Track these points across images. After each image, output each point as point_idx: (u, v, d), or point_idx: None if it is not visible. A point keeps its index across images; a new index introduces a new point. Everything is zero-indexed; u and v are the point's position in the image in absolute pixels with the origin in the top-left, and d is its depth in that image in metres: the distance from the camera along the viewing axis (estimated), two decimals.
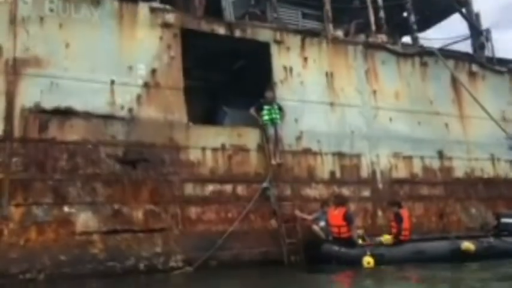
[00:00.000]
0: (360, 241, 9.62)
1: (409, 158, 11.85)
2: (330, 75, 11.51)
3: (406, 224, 9.84)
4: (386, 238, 9.78)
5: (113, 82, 8.99)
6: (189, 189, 9.22)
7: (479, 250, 9.76)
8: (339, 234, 9.50)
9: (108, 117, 8.83)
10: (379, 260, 9.01)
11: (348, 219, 9.55)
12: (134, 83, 9.22)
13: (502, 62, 14.51)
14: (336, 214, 9.64)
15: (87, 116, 8.66)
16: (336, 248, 9.33)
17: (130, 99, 9.11)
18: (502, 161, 13.16)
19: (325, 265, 9.02)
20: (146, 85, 9.31)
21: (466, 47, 14.93)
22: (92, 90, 8.79)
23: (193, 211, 9.14)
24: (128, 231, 8.48)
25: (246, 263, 9.21)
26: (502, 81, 14.12)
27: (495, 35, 14.87)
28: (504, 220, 11.02)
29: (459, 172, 12.44)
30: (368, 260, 8.98)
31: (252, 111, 10.45)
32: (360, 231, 10.00)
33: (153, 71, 9.41)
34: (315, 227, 9.77)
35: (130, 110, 9.04)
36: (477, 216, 12.18)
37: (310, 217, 9.93)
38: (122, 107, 9.00)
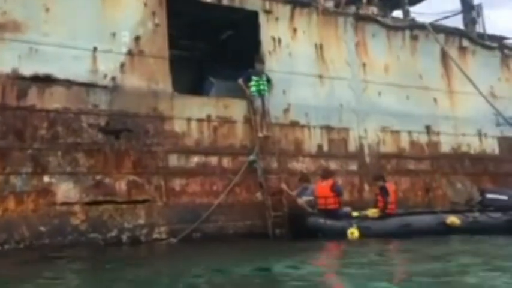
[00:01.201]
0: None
1: (396, 133, 11.76)
2: (319, 47, 11.27)
3: (392, 198, 9.84)
4: (372, 211, 9.76)
5: (95, 49, 8.68)
6: (174, 160, 9.05)
7: (464, 224, 9.83)
8: (325, 206, 9.46)
9: (90, 86, 8.55)
10: (364, 233, 9.03)
11: (335, 190, 9.54)
12: (117, 51, 8.91)
13: (493, 38, 14.36)
14: (323, 185, 9.62)
15: (68, 83, 8.37)
16: (321, 220, 9.29)
17: (113, 67, 8.82)
18: (489, 137, 13.14)
19: (311, 238, 8.97)
20: (130, 53, 9.01)
21: (457, 23, 14.77)
22: (73, 57, 8.48)
23: (177, 183, 8.99)
24: (110, 202, 8.32)
25: (231, 235, 9.15)
26: (492, 57, 13.99)
27: (487, 13, 14.63)
28: (489, 196, 11.08)
29: (446, 147, 12.41)
30: (352, 231, 8.99)
31: (241, 81, 10.22)
32: (348, 208, 9.95)
33: (137, 39, 9.10)
34: (300, 200, 9.69)
35: (113, 78, 8.76)
36: (462, 191, 12.20)
37: (294, 192, 9.81)
38: (105, 75, 8.71)
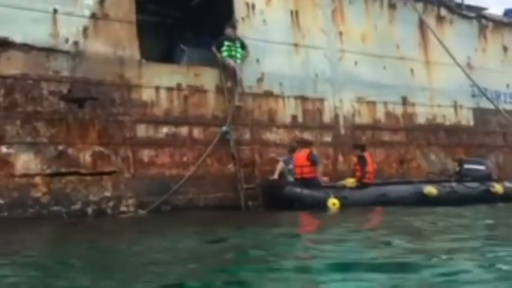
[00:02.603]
0: None
1: (372, 104, 11.58)
2: (294, 14, 10.89)
3: (370, 167, 9.78)
4: (349, 181, 9.67)
5: (55, 11, 8.15)
6: (142, 131, 8.69)
7: (441, 194, 9.89)
8: (301, 175, 9.34)
9: (50, 51, 8.06)
10: (342, 203, 8.93)
11: (312, 159, 9.42)
12: (80, 14, 8.40)
13: (471, 8, 14.17)
14: (300, 155, 9.49)
15: (26, 48, 7.86)
16: (298, 189, 9.13)
17: (75, 31, 8.32)
18: (465, 109, 13.08)
19: (287, 208, 8.76)
20: (93, 16, 8.50)
21: None
22: (32, 19, 7.94)
23: (146, 154, 8.66)
24: (74, 174, 7.96)
25: (201, 208, 8.92)
26: (469, 27, 13.82)
27: None
28: (466, 166, 11.12)
29: (421, 119, 12.30)
30: (333, 202, 8.89)
31: (214, 49, 9.80)
32: (325, 179, 9.82)
33: (102, 1, 8.57)
34: (278, 166, 9.46)
35: (75, 43, 8.27)
36: (436, 162, 12.18)
37: (280, 161, 9.58)
38: (67, 40, 8.21)
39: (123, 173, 8.37)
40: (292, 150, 9.78)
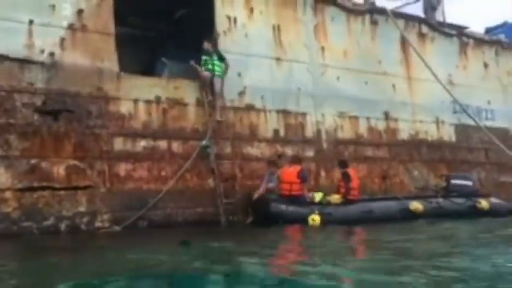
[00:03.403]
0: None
1: (355, 118, 11.53)
2: (277, 29, 10.85)
3: (354, 183, 9.67)
4: (334, 197, 9.55)
5: (31, 22, 7.98)
6: (119, 144, 8.48)
7: (427, 210, 9.83)
8: (289, 191, 9.22)
9: (25, 62, 7.86)
10: (326, 219, 8.80)
11: (302, 177, 9.33)
12: (57, 24, 8.24)
13: (452, 26, 14.33)
14: (290, 171, 9.38)
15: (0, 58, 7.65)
16: (283, 206, 8.97)
17: (52, 42, 8.15)
18: (447, 125, 13.11)
19: (272, 225, 8.58)
20: (71, 27, 8.35)
21: (418, 11, 14.59)
22: (6, 29, 7.77)
23: (122, 168, 8.44)
24: (47, 189, 7.70)
25: (180, 223, 8.70)
26: (450, 44, 13.95)
27: (447, 8, 14.55)
28: (453, 181, 11.10)
29: (404, 134, 12.28)
30: (313, 218, 8.73)
31: (193, 62, 9.70)
32: (311, 194, 9.68)
33: (80, 12, 8.44)
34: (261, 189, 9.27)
35: (51, 54, 8.10)
36: (419, 178, 12.14)
37: (262, 188, 9.36)
38: (42, 51, 8.03)
39: (99, 187, 8.13)
40: (272, 163, 9.58)
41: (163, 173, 8.82)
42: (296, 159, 9.72)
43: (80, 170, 8.02)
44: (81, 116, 8.16)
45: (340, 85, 11.46)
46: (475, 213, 10.24)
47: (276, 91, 10.52)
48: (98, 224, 8.02)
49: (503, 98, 14.74)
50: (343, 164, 10.08)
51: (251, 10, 10.54)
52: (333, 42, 11.64)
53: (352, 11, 12.14)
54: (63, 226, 7.75)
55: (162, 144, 8.94)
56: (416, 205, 9.83)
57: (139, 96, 8.83)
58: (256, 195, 9.21)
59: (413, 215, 9.59)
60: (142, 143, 8.72)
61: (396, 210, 9.69)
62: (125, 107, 8.64)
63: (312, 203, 9.34)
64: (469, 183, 11.24)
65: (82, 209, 7.94)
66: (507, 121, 14.56)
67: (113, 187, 8.26)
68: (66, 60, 8.21)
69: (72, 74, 8.20)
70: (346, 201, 9.50)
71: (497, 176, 13.70)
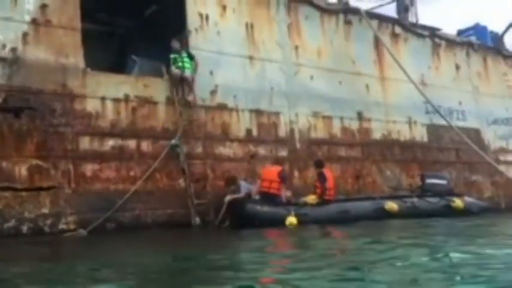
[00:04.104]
0: None
1: (328, 118, 11.46)
2: (250, 27, 10.71)
3: (330, 184, 9.61)
4: (311, 198, 9.47)
5: None
6: (85, 143, 8.20)
7: (402, 210, 9.84)
8: (268, 189, 9.12)
9: None
10: (302, 220, 8.71)
11: (282, 177, 9.30)
12: (19, 19, 7.92)
13: (425, 28, 14.43)
14: (271, 170, 9.37)
15: None
16: (258, 207, 8.81)
17: (14, 37, 7.84)
18: (419, 125, 13.18)
19: (247, 226, 8.35)
20: (34, 22, 8.04)
21: (391, 13, 14.68)
22: None
23: (89, 168, 8.16)
24: (8, 189, 7.37)
25: (149, 225, 8.46)
26: (423, 45, 14.06)
27: (420, 10, 14.64)
28: (428, 181, 11.13)
29: (377, 134, 12.28)
30: (291, 221, 8.63)
31: (163, 68, 9.46)
32: (289, 193, 9.64)
33: (43, 7, 8.13)
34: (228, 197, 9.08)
35: (13, 49, 7.78)
36: (392, 178, 12.15)
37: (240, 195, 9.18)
38: (3, 46, 7.73)
39: (63, 188, 7.83)
40: (230, 182, 9.27)
41: (131, 173, 8.56)
42: (279, 161, 9.79)
43: (43, 170, 7.71)
44: (45, 114, 7.85)
45: (314, 84, 11.39)
46: (449, 212, 10.29)
47: (249, 90, 10.37)
48: (62, 226, 7.71)
49: (474, 98, 14.93)
50: (319, 164, 10.01)
51: (224, 8, 10.37)
52: (307, 41, 11.56)
53: (326, 11, 12.09)
54: (25, 228, 7.42)
55: (131, 143, 8.69)
56: (391, 205, 9.84)
57: (106, 94, 8.56)
58: (229, 198, 9.01)
59: (388, 215, 9.58)
60: (110, 142, 8.45)
61: (372, 210, 9.67)
62: (91, 105, 8.35)
63: (288, 203, 9.24)
64: (444, 182, 11.32)
65: (45, 210, 7.62)
66: (478, 122, 14.76)
67: (78, 188, 7.97)
68: (29, 55, 7.89)
69: (35, 70, 7.88)
70: (322, 202, 9.43)
71: (468, 175, 13.85)
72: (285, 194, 9.45)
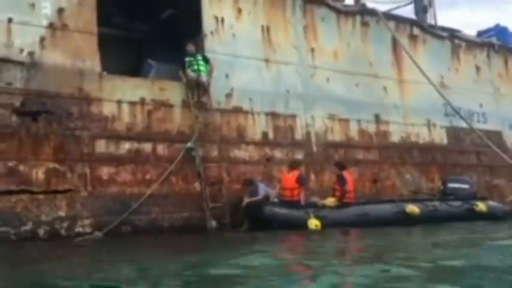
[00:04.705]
0: None
1: (345, 121, 11.33)
2: (265, 30, 10.66)
3: (350, 186, 9.51)
4: (330, 201, 9.38)
5: (10, 20, 7.73)
6: (101, 146, 8.22)
7: (423, 213, 9.67)
8: (291, 197, 9.11)
9: (3, 61, 7.60)
10: (323, 223, 8.62)
11: (301, 181, 9.25)
12: (37, 23, 8.00)
13: (444, 29, 14.20)
14: (289, 177, 9.29)
15: None
16: (277, 209, 8.76)
17: (31, 41, 7.90)
18: (438, 127, 12.94)
19: (265, 229, 8.30)
20: (51, 26, 8.11)
21: (408, 14, 14.48)
22: None
23: (105, 171, 8.18)
24: (25, 192, 7.42)
25: (165, 228, 8.44)
26: (442, 46, 13.82)
27: (439, 15, 14.39)
28: (450, 185, 10.93)
29: (395, 137, 12.09)
30: (315, 223, 8.58)
31: (180, 72, 9.45)
32: (315, 198, 9.60)
33: (60, 11, 8.20)
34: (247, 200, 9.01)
35: (31, 53, 7.85)
36: (411, 182, 11.94)
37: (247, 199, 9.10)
38: (21, 50, 7.78)
39: (80, 191, 7.86)
40: (248, 183, 9.20)
41: (147, 177, 8.56)
42: (295, 164, 9.62)
43: (60, 173, 7.75)
44: (62, 118, 7.90)
45: (330, 87, 11.27)
46: (472, 216, 10.06)
47: (265, 93, 10.30)
48: (78, 229, 7.74)
49: (495, 100, 14.61)
50: (341, 167, 9.89)
51: (239, 10, 10.33)
52: (323, 43, 11.46)
53: (343, 12, 11.98)
54: (41, 232, 7.46)
55: (147, 146, 8.69)
56: (412, 208, 9.64)
57: (122, 97, 8.58)
58: (246, 201, 8.96)
59: (409, 218, 9.40)
60: (126, 146, 8.46)
61: (392, 213, 9.50)
62: (107, 109, 8.39)
63: (306, 205, 9.14)
64: (466, 186, 11.09)
65: (62, 213, 7.66)
66: (499, 124, 14.43)
67: (94, 191, 7.99)
68: (46, 59, 7.96)
69: (52, 74, 7.94)
70: (342, 205, 9.31)
71: (489, 178, 13.53)
72: (311, 199, 9.40)
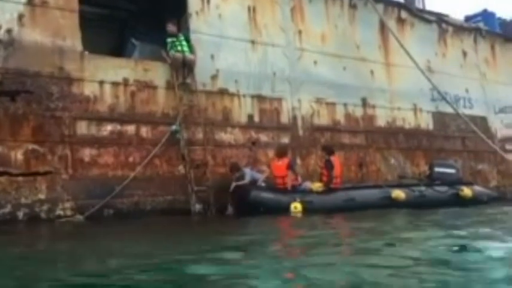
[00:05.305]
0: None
1: (332, 105, 11.23)
2: (252, 10, 10.45)
3: (337, 171, 9.45)
4: (316, 185, 9.31)
5: None
6: (82, 128, 8.02)
7: (409, 198, 9.67)
8: (284, 185, 9.08)
9: None
10: (308, 208, 8.58)
11: (291, 168, 9.27)
12: (15, 0, 7.68)
13: (432, 14, 14.11)
14: (279, 165, 9.23)
15: None
16: (263, 194, 8.71)
17: (9, 18, 7.63)
18: (424, 112, 12.94)
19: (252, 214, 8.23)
20: (30, 3, 7.82)
21: None
22: None
23: (86, 153, 7.99)
24: (4, 174, 7.22)
25: (148, 212, 8.31)
26: (430, 31, 13.74)
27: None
28: (437, 169, 10.88)
29: (381, 121, 12.05)
30: (295, 205, 8.49)
31: (164, 53, 9.21)
32: (308, 182, 9.51)
33: None
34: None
35: (9, 31, 7.58)
36: (396, 166, 11.95)
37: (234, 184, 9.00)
38: None
39: (60, 173, 7.67)
40: (235, 169, 9.09)
41: (130, 159, 8.40)
42: (282, 151, 9.53)
43: (40, 155, 7.55)
44: (41, 98, 7.67)
45: (317, 70, 11.15)
46: (458, 201, 10.10)
47: (251, 75, 10.15)
48: (58, 212, 7.57)
49: (481, 86, 14.65)
50: (329, 151, 9.80)
51: None
52: (311, 25, 11.29)
53: None
54: (21, 214, 7.28)
55: (130, 128, 8.51)
56: (398, 193, 9.65)
57: (105, 77, 8.36)
58: (234, 184, 8.87)
59: (395, 204, 9.41)
60: (108, 127, 8.27)
61: (378, 198, 9.49)
62: (89, 89, 8.16)
63: (293, 190, 9.09)
64: (453, 171, 11.06)
65: (42, 196, 7.48)
66: (485, 109, 14.49)
67: (75, 173, 7.81)
68: (25, 37, 7.69)
69: (31, 52, 7.69)
70: (329, 190, 9.28)
71: (474, 164, 13.63)
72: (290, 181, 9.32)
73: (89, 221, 7.49)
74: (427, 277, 3.16)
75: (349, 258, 4.02)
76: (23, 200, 7.32)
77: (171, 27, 9.26)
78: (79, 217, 7.56)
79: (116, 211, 8.00)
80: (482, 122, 14.00)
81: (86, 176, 7.90)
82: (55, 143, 7.70)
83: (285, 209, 8.49)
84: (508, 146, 14.70)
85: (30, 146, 7.49)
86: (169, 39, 9.16)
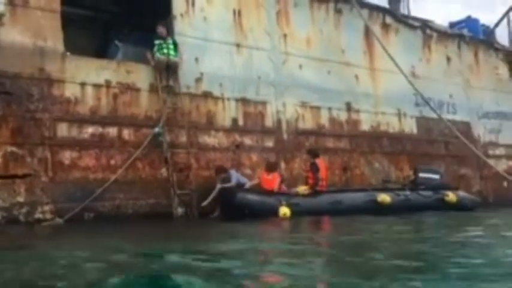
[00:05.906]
0: None
1: (316, 109, 11.24)
2: (237, 13, 10.42)
3: (322, 174, 9.46)
4: (302, 188, 9.31)
5: None
6: (63, 130, 7.91)
7: (395, 202, 9.72)
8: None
9: None
10: (294, 210, 8.60)
11: (282, 181, 9.40)
12: None
13: (416, 19, 14.22)
14: (270, 179, 9.26)
15: None
16: (249, 196, 8.67)
17: None
18: (408, 117, 13.01)
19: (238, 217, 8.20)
20: (11, 3, 7.71)
21: (382, 3, 14.42)
22: None
23: (67, 156, 7.87)
24: None
25: (130, 215, 8.22)
26: (414, 36, 13.84)
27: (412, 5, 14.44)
28: (421, 174, 10.97)
29: (365, 125, 12.09)
30: (284, 211, 8.48)
31: (148, 55, 9.13)
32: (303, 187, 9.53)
33: None
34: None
35: None
36: (380, 170, 11.99)
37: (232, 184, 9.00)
38: None
39: (40, 176, 7.55)
40: (221, 171, 9.10)
41: (112, 162, 8.30)
42: (273, 167, 9.56)
43: (19, 157, 7.43)
44: (21, 99, 7.56)
45: (303, 74, 11.16)
46: (442, 206, 10.17)
47: (235, 78, 10.11)
48: (38, 215, 7.45)
49: (465, 92, 14.78)
50: (315, 154, 9.84)
51: None
52: (296, 29, 11.30)
53: None
54: None
55: (112, 131, 8.42)
56: (384, 197, 9.70)
57: (86, 79, 8.26)
58: (219, 186, 8.82)
59: (380, 207, 9.44)
60: (89, 130, 8.17)
61: (364, 202, 9.54)
62: (70, 91, 8.06)
63: (278, 193, 9.07)
64: (437, 176, 11.17)
65: (21, 199, 7.36)
66: (468, 115, 14.63)
67: (55, 176, 7.70)
68: (5, 38, 7.58)
69: (11, 53, 7.57)
70: (315, 192, 9.27)
71: (457, 168, 13.73)
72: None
73: (68, 224, 7.36)
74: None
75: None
76: (0, 203, 7.19)
77: (161, 29, 9.18)
78: (59, 220, 7.45)
79: (96, 214, 7.90)
80: (465, 127, 14.13)
81: (66, 178, 7.79)
82: (35, 145, 7.58)
83: (270, 212, 8.47)
84: (490, 151, 14.87)
85: (9, 148, 7.37)
86: (157, 41, 9.08)
